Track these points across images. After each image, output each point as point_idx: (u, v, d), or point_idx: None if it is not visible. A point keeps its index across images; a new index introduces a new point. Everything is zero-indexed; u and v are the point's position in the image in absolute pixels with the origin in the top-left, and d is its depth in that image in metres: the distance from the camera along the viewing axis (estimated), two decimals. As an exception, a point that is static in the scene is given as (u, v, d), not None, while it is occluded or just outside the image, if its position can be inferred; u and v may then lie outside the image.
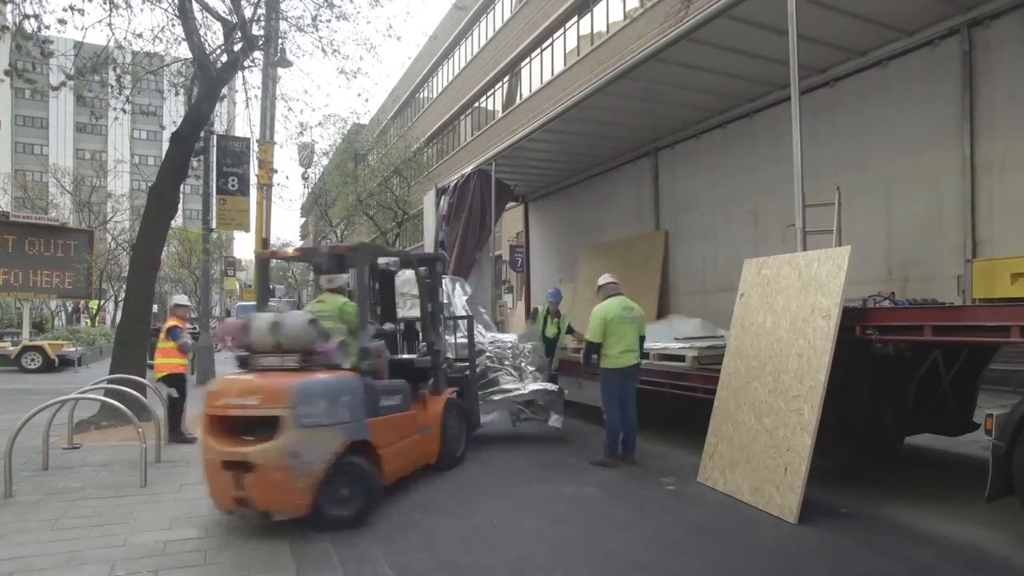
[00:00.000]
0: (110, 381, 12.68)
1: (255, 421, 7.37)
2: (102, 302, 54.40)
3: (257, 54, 16.17)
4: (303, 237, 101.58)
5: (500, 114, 42.86)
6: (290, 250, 9.71)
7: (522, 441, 12.68)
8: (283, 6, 17.08)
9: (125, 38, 14.66)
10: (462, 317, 12.97)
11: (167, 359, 12.51)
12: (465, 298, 14.11)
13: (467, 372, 11.83)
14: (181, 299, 13.13)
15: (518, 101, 40.23)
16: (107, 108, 15.31)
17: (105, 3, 13.76)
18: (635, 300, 11.79)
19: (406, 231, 47.76)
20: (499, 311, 24.08)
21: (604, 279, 11.17)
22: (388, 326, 10.81)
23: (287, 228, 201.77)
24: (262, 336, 8.02)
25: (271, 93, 24.93)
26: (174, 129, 15.66)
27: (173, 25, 15.55)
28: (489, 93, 45.05)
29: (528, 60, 39.41)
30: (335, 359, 8.11)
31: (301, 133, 19.69)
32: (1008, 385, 13.96)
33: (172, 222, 16.18)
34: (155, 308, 17.56)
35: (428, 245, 21.49)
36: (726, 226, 15.05)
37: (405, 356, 11.00)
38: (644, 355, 11.84)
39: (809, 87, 12.35)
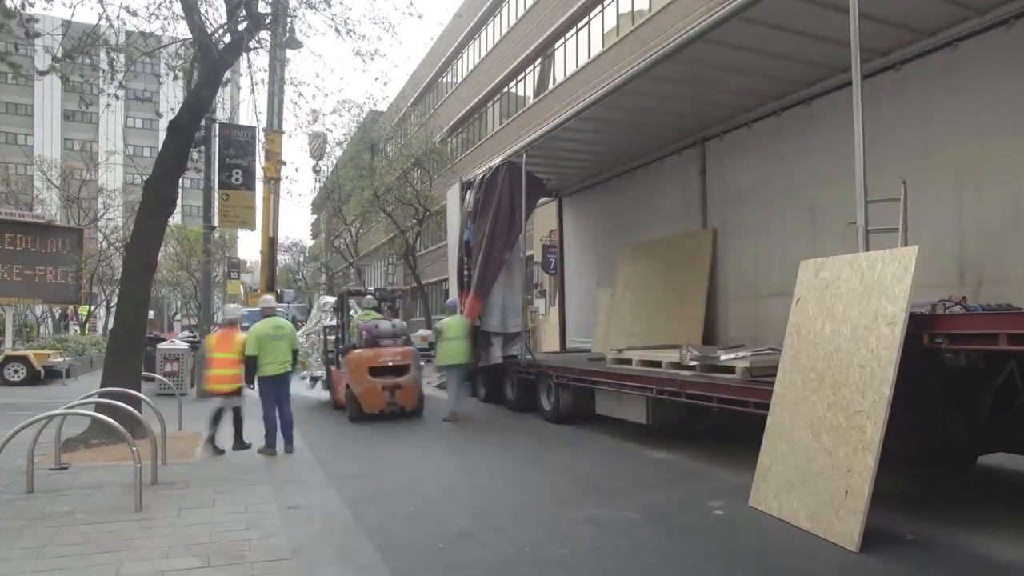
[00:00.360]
0: (101, 395, 12.85)
1: (391, 368, 18.13)
2: (93, 308, 54.85)
3: (264, 34, 16.29)
4: (315, 236, 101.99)
5: (531, 100, 42.88)
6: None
7: (555, 458, 12.71)
8: (292, -19, 17.20)
9: (118, 16, 14.77)
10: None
11: (229, 371, 13.60)
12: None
13: None
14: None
15: (551, 86, 40.24)
16: (98, 94, 15.47)
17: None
18: (680, 305, 12.29)
19: (428, 229, 47.79)
20: (530, 317, 24.07)
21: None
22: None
23: (297, 225, 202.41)
24: (386, 331, 18.91)
25: (279, 77, 25.03)
26: (172, 117, 15.77)
27: (171, 2, 15.70)
28: (519, 77, 45.10)
29: (562, 41, 39.44)
30: (411, 342, 19.59)
31: (313, 121, 19.71)
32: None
33: (170, 219, 16.32)
34: (151, 314, 17.81)
35: (452, 245, 21.56)
36: (780, 224, 15.04)
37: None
38: (692, 367, 12.34)
39: (872, 71, 12.32)
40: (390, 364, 18.14)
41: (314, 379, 24.25)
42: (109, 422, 10.25)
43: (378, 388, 17.87)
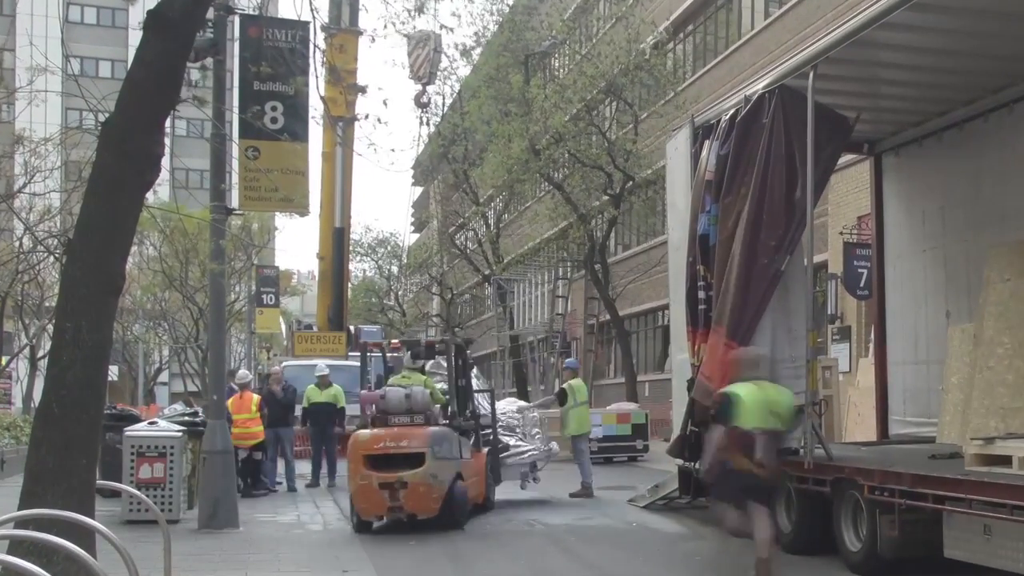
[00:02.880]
0: (20, 523, 12.64)
1: (395, 456, 21.20)
2: (6, 361, 55.64)
3: None
4: (419, 227, 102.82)
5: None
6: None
7: None
8: None
9: None
10: (483, 391, 27.42)
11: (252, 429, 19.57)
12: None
13: (490, 436, 25.49)
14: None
15: (858, -53, 39.92)
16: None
17: None
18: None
19: (629, 214, 47.48)
20: (822, 379, 23.57)
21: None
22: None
23: (387, 207, 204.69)
24: (396, 404, 21.99)
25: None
26: (152, 4, 15.50)
27: None
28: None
29: None
30: (437, 419, 22.57)
31: (416, 11, 18.78)
32: None
33: (149, 195, 16.05)
34: (114, 373, 17.89)
35: (675, 244, 21.47)
36: None
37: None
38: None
39: None
40: (391, 451, 21.12)
41: None
42: (35, 573, 9.97)
43: (373, 485, 20.82)
